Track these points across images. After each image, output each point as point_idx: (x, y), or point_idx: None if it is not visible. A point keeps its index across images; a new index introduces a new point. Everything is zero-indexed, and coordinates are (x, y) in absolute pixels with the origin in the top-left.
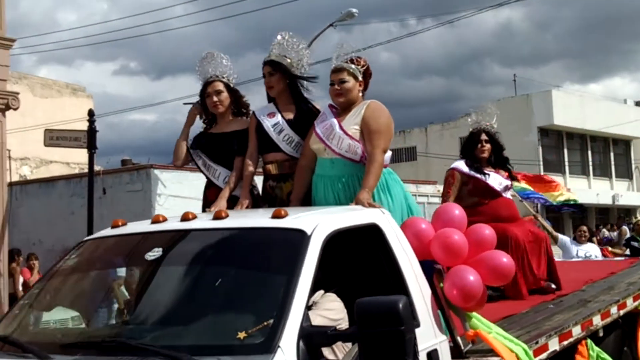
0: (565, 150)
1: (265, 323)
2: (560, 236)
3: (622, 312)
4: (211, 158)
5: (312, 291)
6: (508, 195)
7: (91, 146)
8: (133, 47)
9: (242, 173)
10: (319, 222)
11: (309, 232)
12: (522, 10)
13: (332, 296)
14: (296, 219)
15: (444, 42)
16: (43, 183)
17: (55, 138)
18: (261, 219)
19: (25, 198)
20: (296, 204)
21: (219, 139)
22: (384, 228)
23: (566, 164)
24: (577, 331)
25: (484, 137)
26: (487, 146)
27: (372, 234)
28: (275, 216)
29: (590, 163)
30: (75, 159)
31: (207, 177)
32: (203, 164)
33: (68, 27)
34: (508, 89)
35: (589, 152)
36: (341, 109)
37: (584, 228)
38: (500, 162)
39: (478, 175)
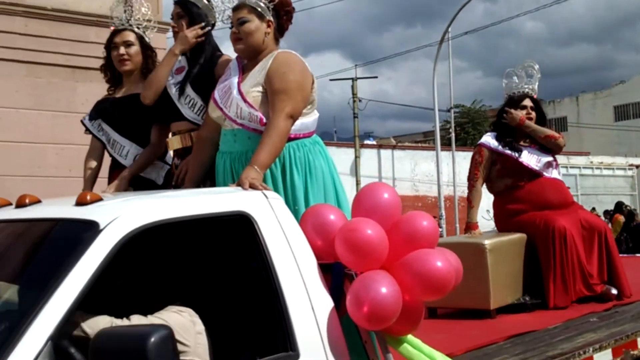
0: None
1: None
2: None
3: None
4: (117, 129)
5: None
6: (554, 174)
7: None
8: None
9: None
10: (125, 212)
11: (102, 225)
12: None
13: (172, 309)
14: (100, 207)
15: (593, 7)
16: None
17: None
18: (65, 206)
19: None
20: (191, 185)
21: (124, 103)
22: (259, 219)
23: None
24: (603, 357)
25: (528, 102)
26: (533, 114)
27: (240, 227)
28: (79, 202)
29: None
30: None
31: (111, 157)
32: (107, 140)
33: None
34: None
35: None
36: (247, 61)
37: None
38: None
39: (507, 152)
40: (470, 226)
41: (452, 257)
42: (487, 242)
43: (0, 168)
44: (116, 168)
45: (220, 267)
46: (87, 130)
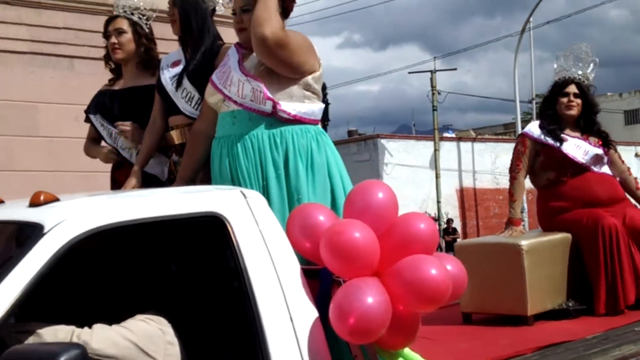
0: None
1: None
2: None
3: None
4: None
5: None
6: (603, 169)
7: (324, 118)
8: (357, 21)
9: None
10: (74, 214)
11: (46, 228)
12: None
13: (140, 317)
14: (51, 208)
15: None
16: None
17: None
18: (18, 208)
19: None
20: (181, 184)
21: (124, 96)
22: (234, 220)
23: None
24: None
25: (572, 89)
26: (577, 101)
27: (211, 229)
28: (32, 203)
29: None
30: None
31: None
32: (109, 135)
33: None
34: None
35: None
36: (249, 48)
37: None
38: (589, 125)
39: (549, 141)
40: (511, 222)
41: (454, 264)
42: (524, 242)
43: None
44: (119, 168)
45: (188, 273)
46: (87, 120)
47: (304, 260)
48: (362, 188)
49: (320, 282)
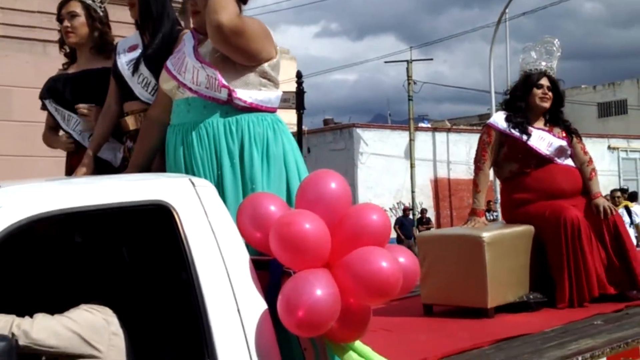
0: None
1: None
2: None
3: None
4: (70, 109)
5: None
6: (567, 161)
7: (299, 107)
8: (334, 9)
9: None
10: (13, 200)
11: None
12: None
13: (84, 307)
14: None
15: None
16: None
17: None
18: None
19: None
20: (133, 171)
21: (76, 80)
22: (181, 210)
23: None
24: None
25: (546, 81)
26: (550, 94)
27: (157, 218)
28: None
29: None
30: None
31: (71, 137)
32: (62, 119)
33: None
34: None
35: None
36: (204, 33)
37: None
38: (554, 118)
39: (514, 134)
40: (475, 212)
41: (406, 256)
42: (485, 234)
43: None
44: (74, 153)
45: (134, 263)
46: (44, 107)
47: (255, 251)
48: (315, 178)
49: (270, 274)
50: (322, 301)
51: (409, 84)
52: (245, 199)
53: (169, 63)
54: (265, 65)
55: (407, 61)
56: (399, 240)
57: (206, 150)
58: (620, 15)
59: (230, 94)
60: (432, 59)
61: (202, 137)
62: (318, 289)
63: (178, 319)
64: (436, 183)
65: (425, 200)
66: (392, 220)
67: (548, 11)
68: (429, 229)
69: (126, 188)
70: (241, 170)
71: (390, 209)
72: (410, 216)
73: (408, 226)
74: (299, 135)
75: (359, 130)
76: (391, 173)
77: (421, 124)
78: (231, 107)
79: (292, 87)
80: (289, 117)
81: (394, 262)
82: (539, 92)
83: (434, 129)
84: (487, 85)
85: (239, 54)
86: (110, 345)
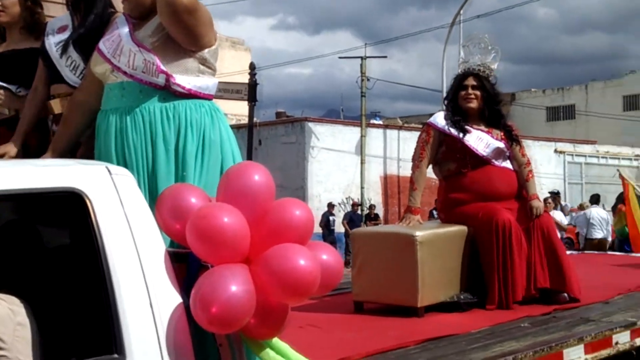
0: None
1: None
2: None
3: None
4: None
5: None
6: (504, 163)
7: (252, 99)
8: (292, 3)
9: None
10: None
11: None
12: None
13: None
14: None
15: None
16: None
17: (218, 90)
18: None
19: None
20: (52, 156)
21: (4, 60)
22: (95, 198)
23: None
24: None
25: (470, 81)
26: (476, 94)
27: (69, 206)
28: None
29: None
30: (233, 110)
31: None
32: None
33: None
34: None
35: None
36: (137, 21)
37: None
38: (494, 118)
39: (453, 132)
40: (410, 210)
41: (329, 254)
42: (418, 233)
43: None
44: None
45: (45, 252)
46: None
47: (176, 244)
48: (237, 170)
49: (188, 267)
50: (236, 297)
51: (362, 80)
52: (164, 190)
53: (101, 45)
54: (205, 52)
55: (361, 57)
56: (347, 235)
57: (141, 136)
58: (572, 23)
59: (168, 80)
60: (386, 57)
61: (137, 122)
62: (233, 285)
63: (88, 311)
64: (386, 180)
65: (374, 196)
66: (341, 215)
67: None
68: (377, 224)
69: (37, 174)
70: (176, 158)
71: (340, 203)
72: (359, 212)
73: (356, 221)
74: (249, 127)
75: (311, 125)
76: (342, 168)
77: (373, 121)
78: (168, 92)
79: (246, 78)
80: (240, 108)
81: (312, 260)
82: (462, 93)
83: (386, 126)
84: (440, 85)
85: (185, 34)
86: (15, 337)
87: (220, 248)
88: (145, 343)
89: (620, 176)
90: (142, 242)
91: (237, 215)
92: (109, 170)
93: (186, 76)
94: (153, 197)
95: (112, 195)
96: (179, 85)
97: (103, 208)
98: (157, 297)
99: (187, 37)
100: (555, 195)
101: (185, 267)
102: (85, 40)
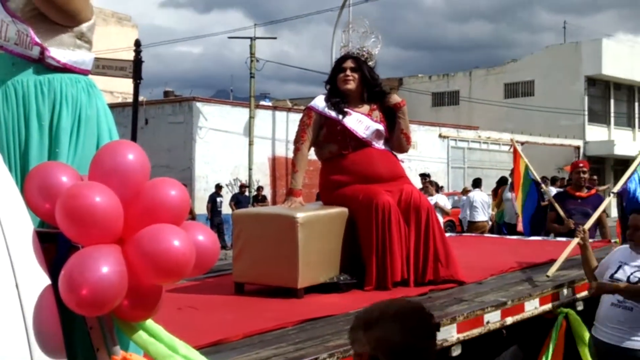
0: (612, 101)
1: None
2: None
3: (510, 320)
4: None
5: None
6: (385, 146)
7: (137, 76)
8: None
9: None
10: None
11: None
12: None
13: None
14: None
15: None
16: None
17: (101, 67)
18: None
19: None
20: None
21: None
22: None
23: (612, 115)
24: None
25: (348, 63)
26: (353, 75)
27: None
28: None
29: (637, 115)
30: (119, 87)
31: None
32: None
33: None
34: (558, 36)
35: (636, 104)
36: None
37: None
38: (374, 100)
39: (332, 114)
40: (292, 192)
41: (205, 234)
42: (299, 215)
43: None
44: None
45: None
46: None
47: (47, 224)
48: (110, 149)
49: (57, 247)
50: (107, 279)
51: (251, 61)
52: (33, 168)
53: None
54: (83, 26)
55: (251, 38)
56: None
57: (12, 110)
58: (458, 11)
59: (42, 52)
60: (276, 38)
61: (9, 96)
62: (104, 266)
63: None
64: (274, 161)
65: (262, 178)
66: (229, 197)
67: (391, 0)
68: (265, 206)
69: None
70: (49, 133)
71: (227, 185)
72: (247, 193)
73: (243, 203)
74: (134, 106)
75: (199, 105)
76: (230, 149)
77: (262, 102)
78: (42, 66)
79: (131, 55)
80: (127, 86)
81: (186, 240)
82: (340, 75)
83: (274, 108)
84: (329, 68)
85: (58, 11)
86: None
87: (90, 228)
88: (9, 326)
89: (514, 149)
90: (7, 221)
91: (109, 194)
92: None
93: (62, 49)
94: (25, 174)
95: None
96: (53, 58)
97: None
98: (23, 278)
99: (59, 15)
100: (426, 176)
101: (55, 247)
102: None
